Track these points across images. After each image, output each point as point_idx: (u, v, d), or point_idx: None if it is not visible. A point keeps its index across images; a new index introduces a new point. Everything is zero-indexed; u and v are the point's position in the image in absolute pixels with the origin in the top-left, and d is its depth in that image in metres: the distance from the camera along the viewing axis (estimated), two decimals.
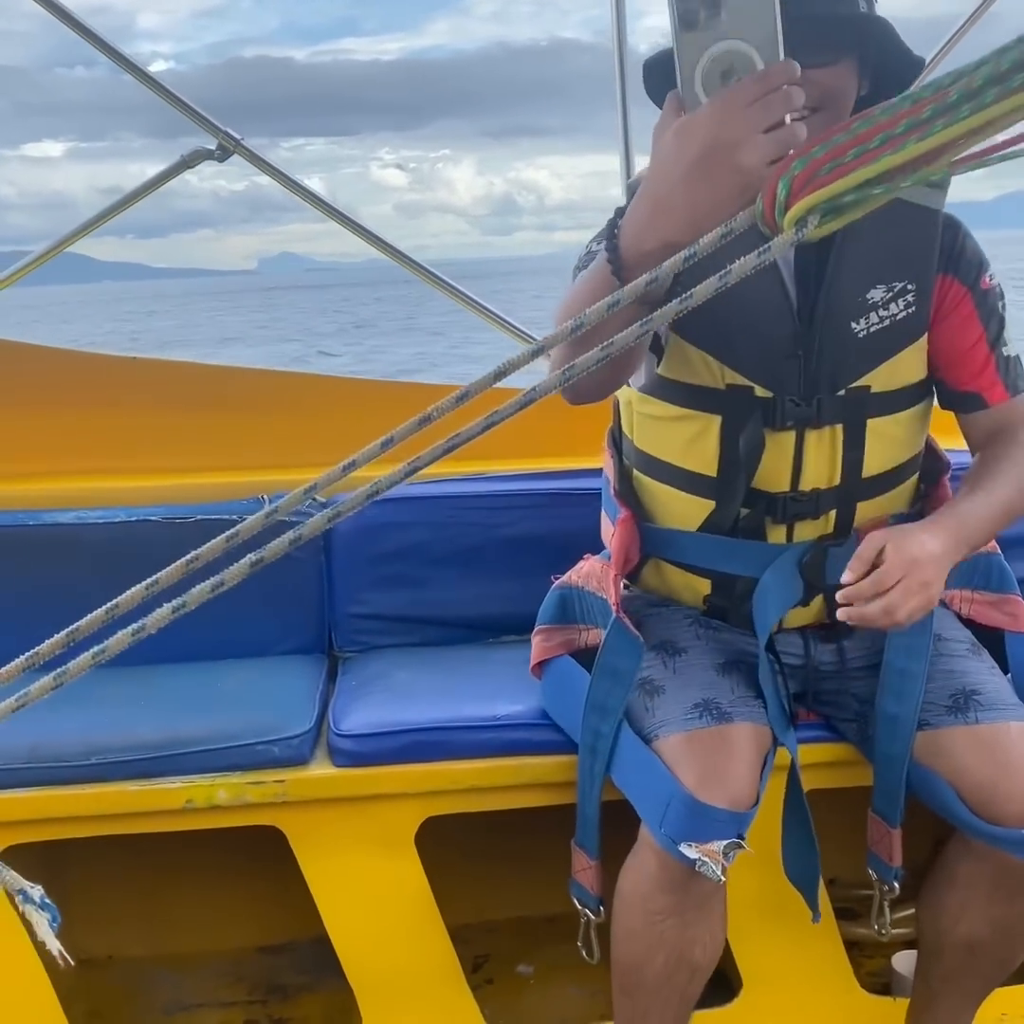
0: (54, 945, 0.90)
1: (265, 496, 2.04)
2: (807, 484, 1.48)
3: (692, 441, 1.50)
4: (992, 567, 1.63)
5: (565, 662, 1.66)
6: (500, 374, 0.74)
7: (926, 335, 1.49)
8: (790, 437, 1.46)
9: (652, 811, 1.40)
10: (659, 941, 1.43)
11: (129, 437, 2.19)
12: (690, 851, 1.33)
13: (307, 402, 2.31)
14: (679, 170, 0.97)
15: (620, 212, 1.07)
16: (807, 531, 1.51)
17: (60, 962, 1.00)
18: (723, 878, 1.34)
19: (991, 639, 1.61)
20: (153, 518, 2.00)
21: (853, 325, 1.44)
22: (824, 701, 1.62)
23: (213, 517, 1.95)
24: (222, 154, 2.23)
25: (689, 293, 0.72)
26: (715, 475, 1.50)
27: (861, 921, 1.68)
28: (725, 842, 1.34)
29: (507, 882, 2.11)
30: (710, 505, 1.52)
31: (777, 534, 1.52)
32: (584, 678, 1.54)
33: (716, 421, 1.48)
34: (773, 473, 1.48)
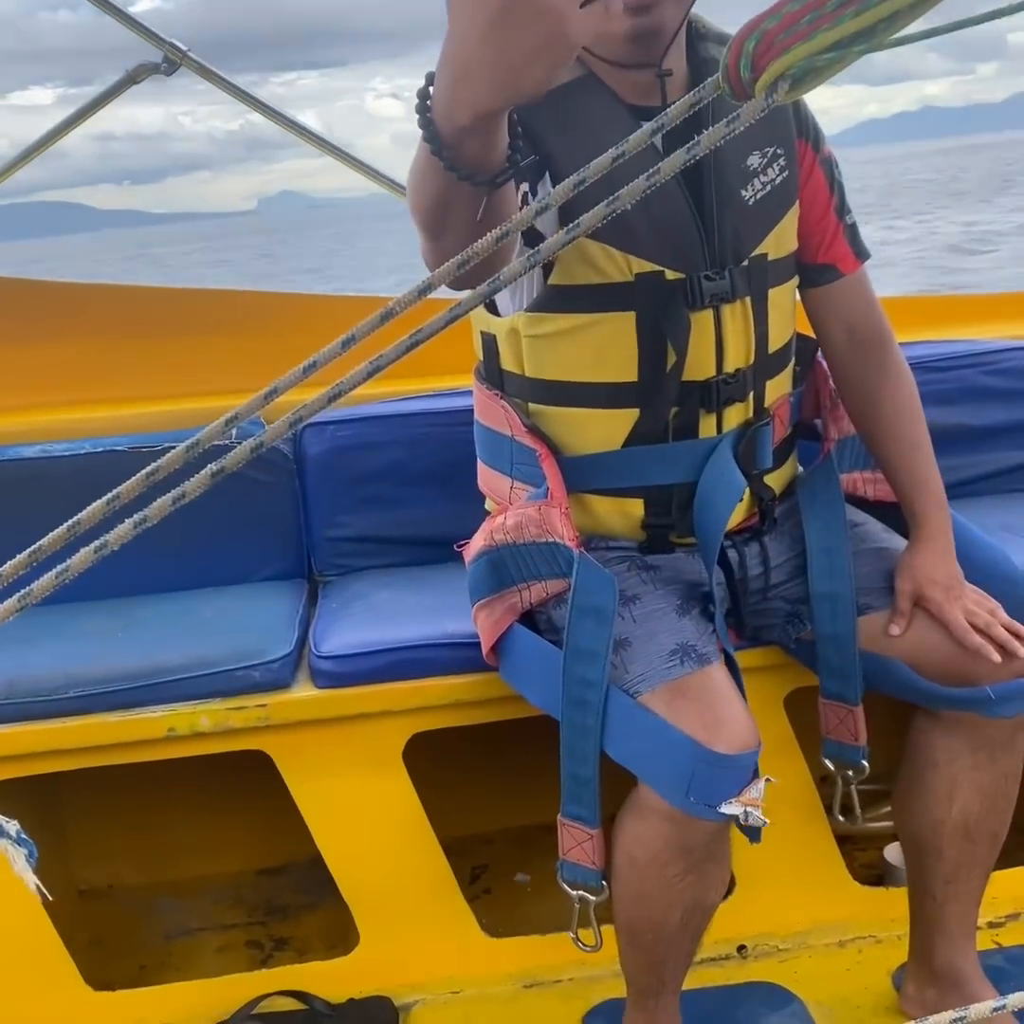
0: (31, 880, 0.89)
1: None
2: (730, 365, 1.43)
3: (604, 348, 1.41)
4: None
5: (518, 632, 1.50)
6: (425, 289, 0.70)
7: (798, 202, 1.48)
8: (709, 316, 1.40)
9: (670, 781, 1.30)
10: (679, 898, 1.37)
11: (90, 367, 2.15)
12: (731, 808, 1.29)
13: (274, 321, 2.26)
14: (479, 24, 0.82)
15: (431, 78, 0.89)
16: (734, 417, 1.46)
17: (38, 896, 1.00)
18: (767, 820, 1.31)
19: (896, 521, 1.61)
20: (119, 448, 1.97)
21: (742, 192, 1.41)
22: (752, 612, 1.58)
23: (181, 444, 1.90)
24: (169, 67, 2.15)
25: (615, 196, 0.68)
26: (636, 379, 1.41)
27: (859, 820, 1.69)
28: (760, 784, 1.31)
29: (502, 793, 2.12)
30: (634, 414, 1.43)
31: (708, 427, 1.45)
32: (544, 643, 1.45)
33: (629, 318, 1.39)
34: (698, 359, 1.41)
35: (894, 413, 1.55)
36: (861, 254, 1.55)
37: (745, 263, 1.42)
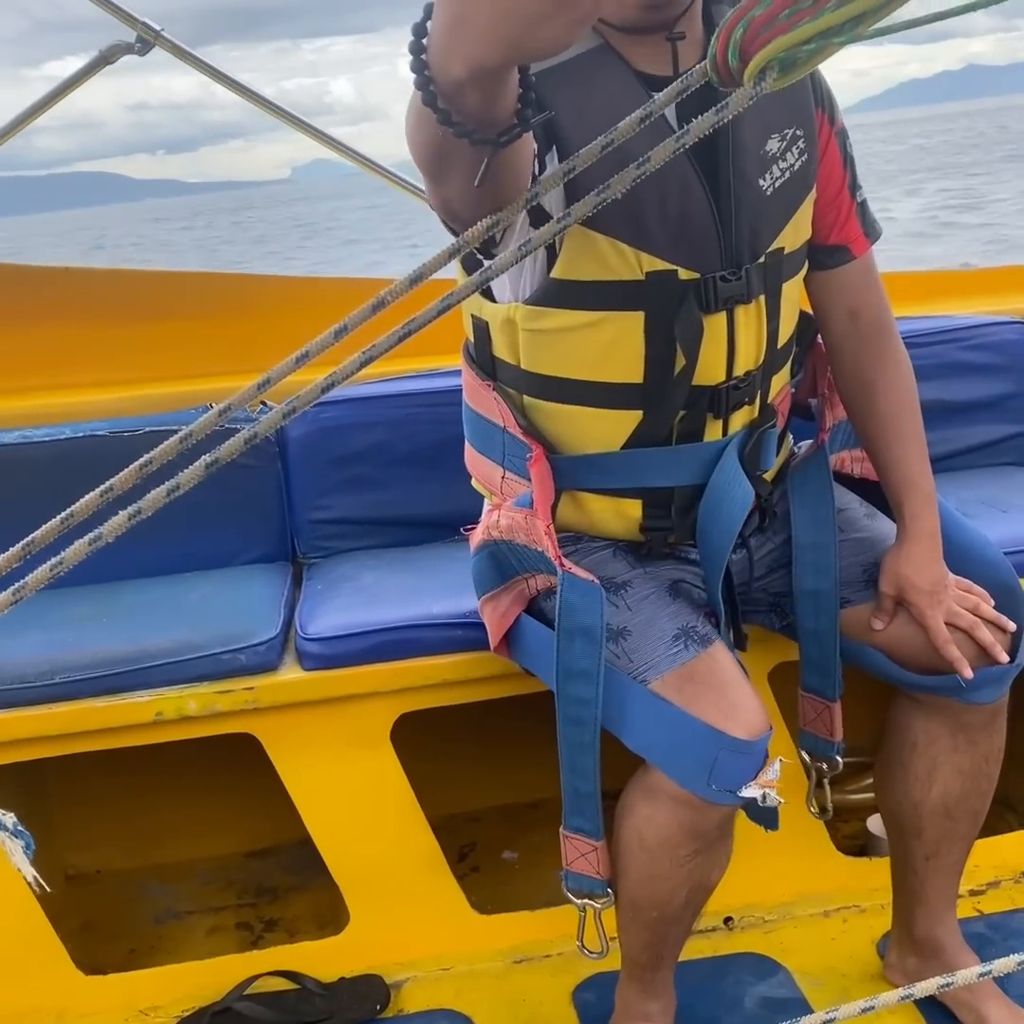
0: (28, 871, 0.89)
1: (215, 404, 1.99)
2: (740, 368, 1.37)
3: (609, 348, 1.33)
4: None
5: (526, 623, 1.48)
6: (416, 278, 0.70)
7: (816, 185, 1.40)
8: (722, 320, 1.33)
9: (691, 769, 1.29)
10: (686, 879, 1.37)
11: (69, 351, 2.13)
12: (750, 791, 1.29)
13: (257, 304, 2.25)
14: None
15: (430, 11, 0.74)
16: (740, 419, 1.41)
17: (36, 887, 1.00)
18: (783, 800, 1.32)
19: (878, 497, 1.60)
20: (100, 432, 1.96)
21: (760, 182, 1.33)
22: (734, 601, 1.54)
23: (163, 428, 1.90)
24: (142, 47, 2.12)
25: (605, 184, 0.67)
26: (641, 381, 1.34)
27: (836, 788, 1.71)
28: (776, 765, 1.32)
29: (490, 772, 2.14)
30: (637, 416, 1.37)
31: (714, 431, 1.39)
32: (550, 632, 1.40)
33: (638, 319, 1.31)
34: (709, 364, 1.34)
35: (890, 407, 1.49)
36: (871, 234, 1.48)
37: (762, 260, 1.35)
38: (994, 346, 2.18)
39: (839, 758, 1.59)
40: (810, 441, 1.59)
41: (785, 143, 1.34)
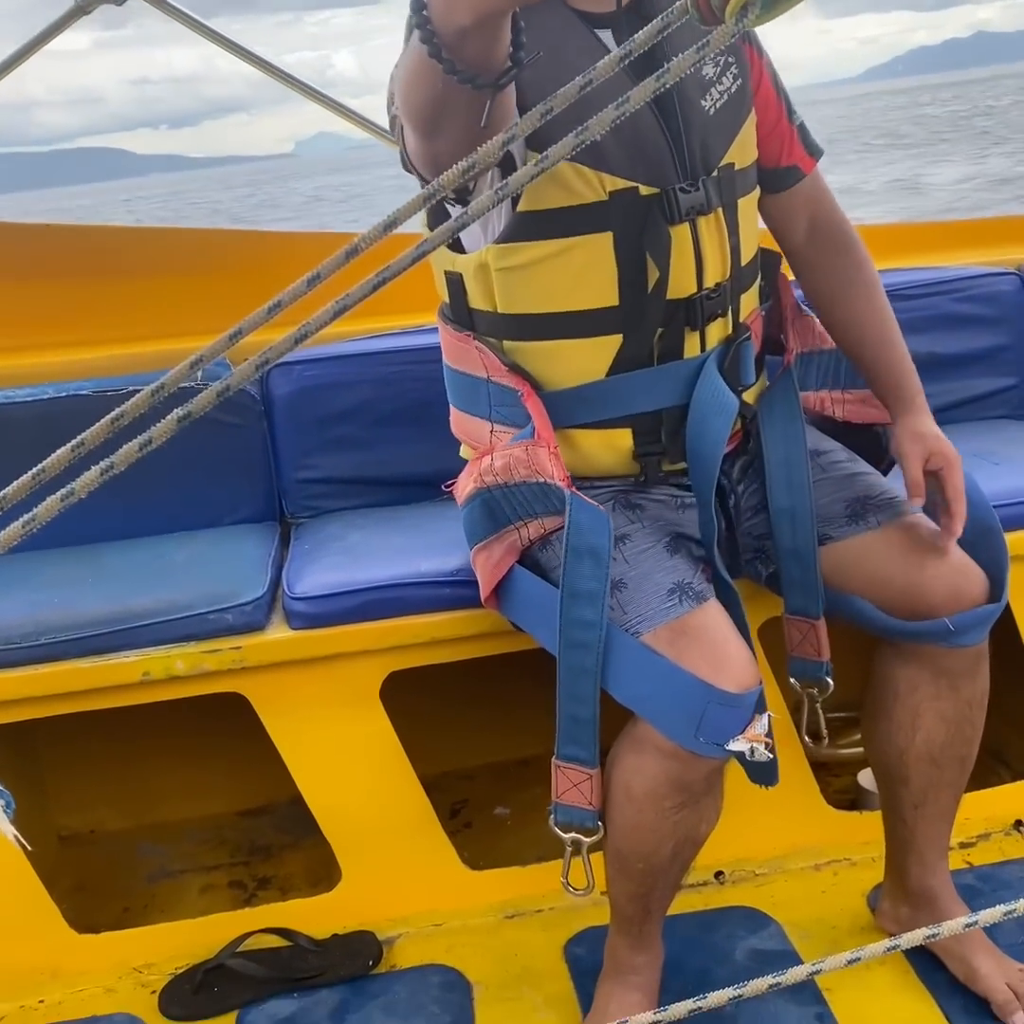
0: (9, 830, 0.88)
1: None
2: (710, 279, 1.42)
3: (582, 274, 1.37)
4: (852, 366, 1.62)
5: (518, 573, 1.47)
6: (390, 224, 0.68)
7: (753, 110, 1.47)
8: (686, 231, 1.38)
9: (678, 721, 1.30)
10: (672, 831, 1.37)
11: (50, 309, 2.10)
12: (737, 745, 1.30)
13: (238, 260, 2.22)
14: None
15: None
16: (716, 334, 1.45)
17: (17, 846, 0.99)
18: (773, 754, 1.32)
19: (863, 447, 1.62)
20: (83, 392, 1.94)
21: (703, 103, 1.39)
22: (730, 549, 1.57)
23: (146, 388, 1.87)
24: None
25: (584, 126, 0.66)
26: (617, 304, 1.38)
27: (826, 742, 1.71)
28: (764, 719, 1.32)
29: (481, 729, 2.14)
30: (617, 340, 1.40)
31: (693, 346, 1.43)
32: (545, 584, 1.42)
33: (606, 239, 1.35)
34: (680, 276, 1.38)
35: (867, 310, 1.54)
36: (814, 152, 1.56)
37: (715, 174, 1.41)
38: (987, 298, 2.16)
39: (829, 679, 1.59)
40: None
41: (719, 69, 1.42)
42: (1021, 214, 2.64)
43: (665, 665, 1.30)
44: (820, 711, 1.63)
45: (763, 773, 1.39)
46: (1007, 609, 1.52)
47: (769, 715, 1.34)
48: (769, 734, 1.34)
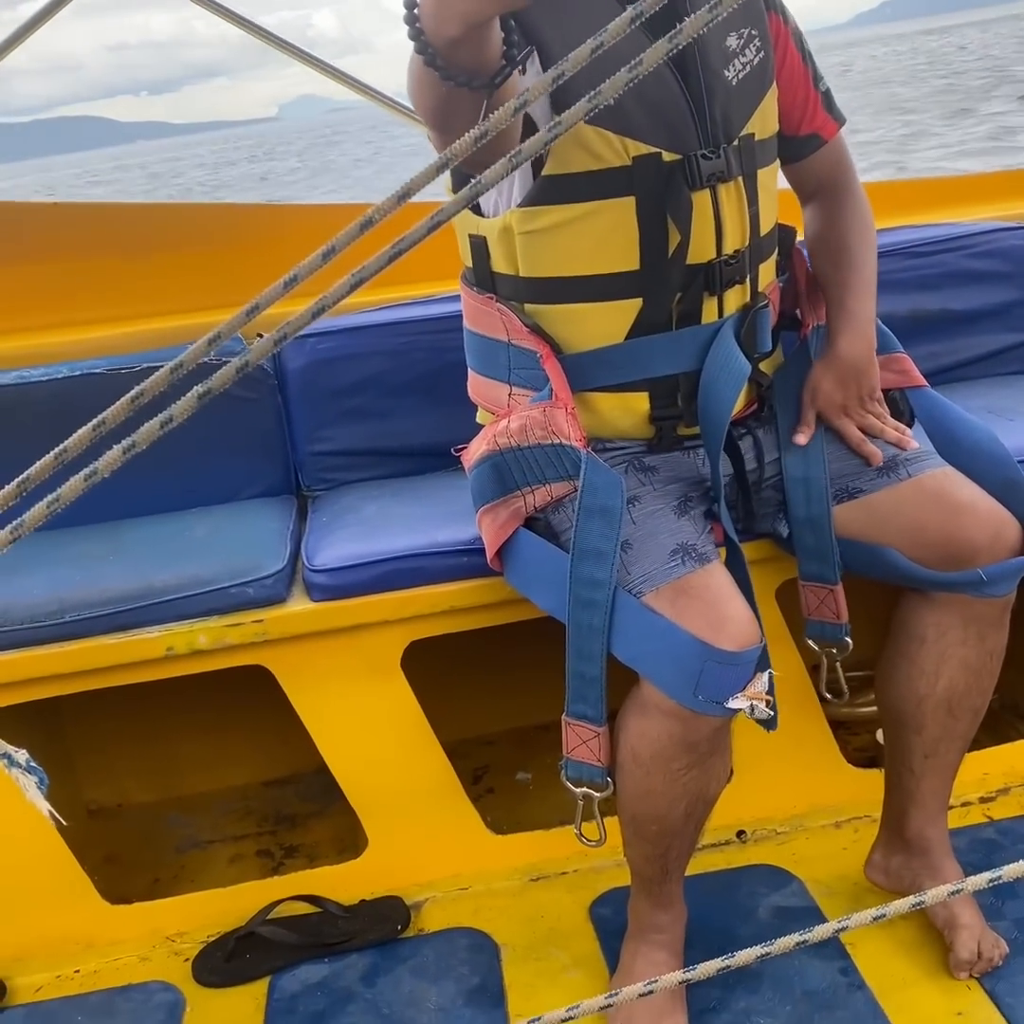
0: (43, 806, 0.90)
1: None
2: (729, 246, 1.44)
3: (605, 237, 1.39)
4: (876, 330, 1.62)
5: (523, 536, 1.49)
6: (404, 195, 0.68)
7: (776, 82, 1.50)
8: (707, 197, 1.40)
9: (677, 680, 1.32)
10: (682, 792, 1.39)
11: (64, 288, 2.10)
12: (737, 702, 1.32)
13: (252, 234, 2.21)
14: None
15: None
16: (734, 301, 1.47)
17: (51, 821, 1.01)
18: (774, 711, 1.34)
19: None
20: (98, 370, 1.94)
21: (726, 73, 1.42)
22: (745, 512, 1.59)
23: (161, 364, 1.87)
24: None
25: (596, 91, 0.66)
26: (638, 268, 1.40)
27: (845, 700, 1.72)
28: (764, 677, 1.34)
29: (501, 696, 2.16)
30: (637, 304, 1.42)
31: (711, 311, 1.45)
32: (550, 547, 1.45)
33: (629, 204, 1.38)
34: (700, 241, 1.41)
35: (844, 239, 1.58)
36: (839, 118, 1.60)
37: (736, 142, 1.43)
38: (1001, 253, 2.14)
39: (848, 639, 1.60)
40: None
41: (742, 41, 1.44)
42: None
43: (664, 624, 1.32)
44: (840, 668, 1.64)
45: (765, 723, 1.40)
46: None
47: (770, 673, 1.36)
48: (771, 691, 1.35)
